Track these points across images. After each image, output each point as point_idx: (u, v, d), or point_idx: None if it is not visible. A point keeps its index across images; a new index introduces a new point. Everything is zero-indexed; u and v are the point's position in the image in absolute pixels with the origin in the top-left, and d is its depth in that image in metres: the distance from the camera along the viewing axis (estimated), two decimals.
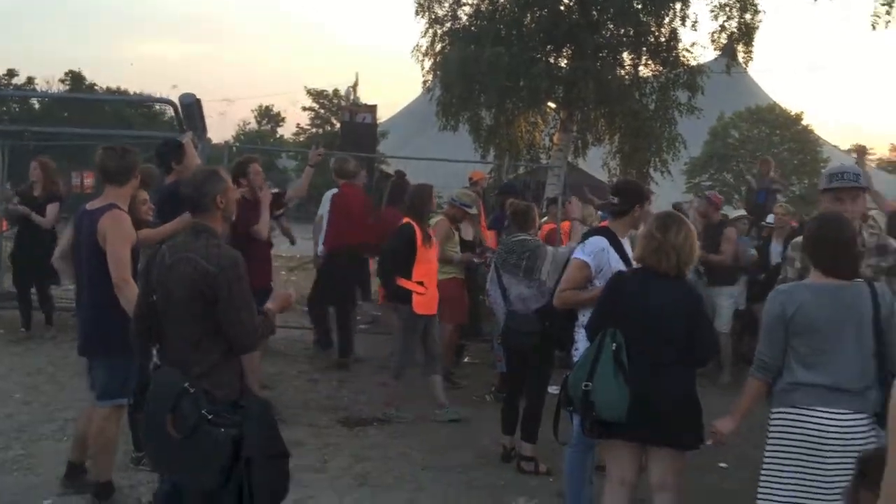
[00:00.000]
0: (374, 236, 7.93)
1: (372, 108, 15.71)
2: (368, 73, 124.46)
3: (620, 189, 4.64)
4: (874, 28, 15.74)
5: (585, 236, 4.67)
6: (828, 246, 3.36)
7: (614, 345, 3.67)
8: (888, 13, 15.52)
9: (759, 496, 3.37)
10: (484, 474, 5.48)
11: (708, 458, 5.24)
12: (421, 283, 6.48)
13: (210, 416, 3.03)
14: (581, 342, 4.32)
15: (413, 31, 63.86)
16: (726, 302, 8.28)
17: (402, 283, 6.46)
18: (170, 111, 9.41)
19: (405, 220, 6.62)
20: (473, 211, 7.73)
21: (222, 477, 2.99)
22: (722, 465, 5.63)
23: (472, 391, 7.63)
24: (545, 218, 9.63)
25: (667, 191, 20.53)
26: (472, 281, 8.05)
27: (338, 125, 29.76)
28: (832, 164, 4.32)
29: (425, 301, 6.51)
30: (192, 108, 6.85)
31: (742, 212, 10.18)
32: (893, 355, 3.29)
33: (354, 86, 31.74)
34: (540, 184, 15.16)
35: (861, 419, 3.22)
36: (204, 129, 7.13)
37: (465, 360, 8.70)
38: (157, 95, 22.77)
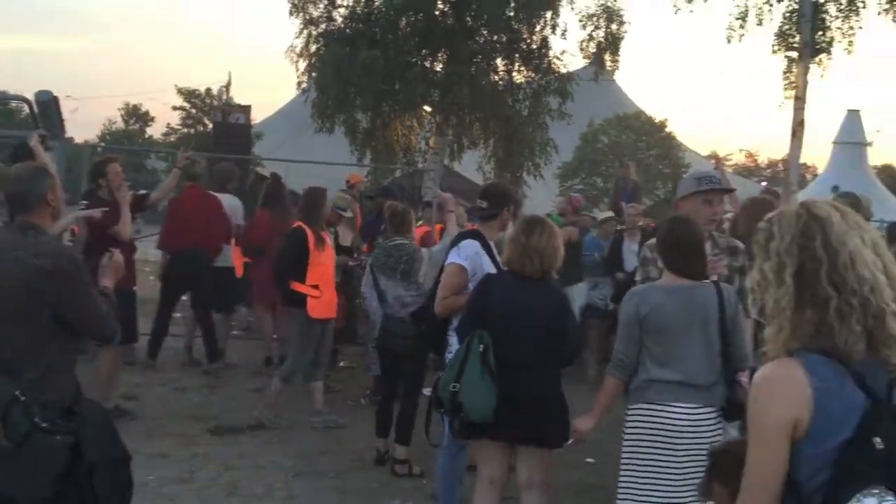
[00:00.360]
0: (213, 239, 7.86)
1: (245, 109, 15.39)
2: (242, 73, 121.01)
3: (489, 193, 4.72)
4: (729, 41, 16.71)
5: (457, 239, 4.73)
6: (678, 248, 3.53)
7: (482, 346, 3.74)
8: (742, 27, 16.53)
9: (619, 489, 3.52)
10: (357, 479, 5.47)
11: (575, 454, 5.41)
12: (316, 287, 6.41)
13: (44, 424, 2.89)
14: (454, 345, 4.37)
15: (288, 31, 62.96)
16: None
17: (297, 287, 6.37)
18: (26, 109, 8.93)
19: (297, 223, 6.54)
20: (349, 214, 7.69)
21: (57, 486, 2.85)
22: (589, 460, 5.82)
23: (348, 395, 7.59)
24: (420, 221, 9.69)
25: (540, 195, 21.08)
26: (348, 284, 8.00)
27: (210, 126, 28.95)
28: (693, 169, 4.55)
29: (320, 305, 6.44)
30: (48, 106, 6.54)
31: (609, 213, 10.55)
32: (738, 353, 3.50)
33: (227, 85, 30.99)
34: (416, 187, 15.26)
35: (710, 412, 3.42)
36: (62, 127, 6.81)
37: (341, 364, 8.65)
38: (13, 93, 21.48)
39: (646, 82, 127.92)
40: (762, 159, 69.64)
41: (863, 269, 1.73)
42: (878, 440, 1.66)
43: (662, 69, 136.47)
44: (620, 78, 35.62)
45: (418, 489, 5.31)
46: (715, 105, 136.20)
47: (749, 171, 66.96)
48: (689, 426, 3.38)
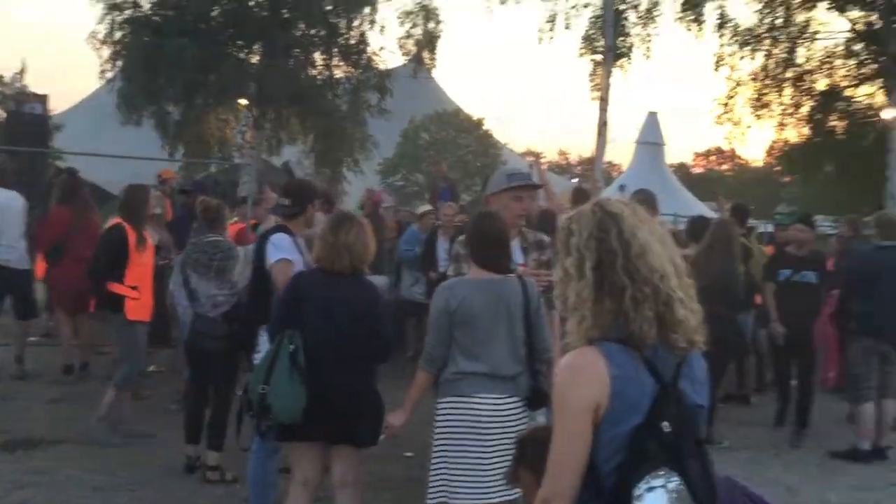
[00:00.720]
0: None
1: (42, 98, 14.29)
2: (38, 60, 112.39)
3: (291, 190, 4.62)
4: (540, 42, 17.46)
5: (266, 235, 4.61)
6: (485, 242, 3.61)
7: (292, 346, 3.66)
8: (551, 30, 17.30)
9: (430, 482, 3.55)
10: (166, 488, 5.20)
11: (394, 448, 5.42)
12: (134, 288, 6.03)
13: None
14: (263, 345, 4.25)
15: (89, 15, 58.89)
16: None
17: (114, 288, 5.96)
18: None
19: (116, 220, 6.12)
20: (158, 211, 7.32)
21: None
22: (408, 454, 5.84)
23: (158, 401, 7.22)
24: (235, 218, 9.39)
25: (361, 190, 21.06)
26: (158, 284, 7.61)
27: (3, 115, 26.68)
28: (504, 167, 4.73)
29: (139, 306, 6.08)
30: None
31: (427, 206, 10.65)
32: (541, 344, 3.63)
33: (21, 72, 28.62)
34: (232, 182, 14.79)
35: (516, 402, 3.52)
36: None
37: (151, 368, 8.20)
38: None
39: (464, 80, 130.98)
40: (574, 157, 73.24)
41: (653, 258, 1.85)
42: (665, 424, 1.77)
43: (481, 68, 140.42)
44: (439, 76, 36.31)
45: (231, 494, 5.13)
46: (531, 103, 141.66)
47: (562, 168, 70.17)
48: (496, 417, 3.46)
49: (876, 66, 19.25)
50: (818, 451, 6.56)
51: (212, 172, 16.20)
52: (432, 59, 17.68)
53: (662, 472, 1.74)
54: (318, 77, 16.22)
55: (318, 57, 16.25)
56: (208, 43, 14.48)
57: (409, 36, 16.67)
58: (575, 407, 1.79)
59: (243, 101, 16.45)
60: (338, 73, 16.67)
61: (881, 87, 19.32)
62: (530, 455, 2.32)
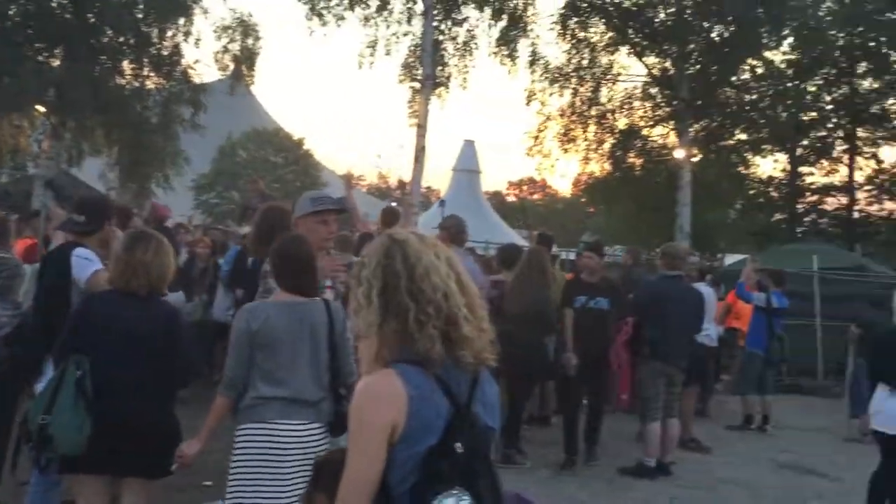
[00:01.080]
0: None
1: None
2: None
3: (86, 207, 4.35)
4: (360, 66, 17.58)
5: (61, 250, 4.31)
6: (290, 265, 3.56)
7: (79, 372, 3.42)
8: (372, 55, 17.48)
9: None
10: None
11: (192, 477, 5.19)
12: None
13: None
14: (49, 372, 3.94)
15: None
16: None
17: None
18: None
19: None
20: None
21: None
22: (207, 483, 5.61)
23: None
24: (28, 232, 8.71)
25: (173, 207, 20.20)
26: None
27: None
28: (309, 191, 4.67)
29: None
30: None
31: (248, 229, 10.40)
32: (345, 368, 3.61)
33: None
34: (25, 193, 13.74)
35: (317, 428, 3.47)
36: None
37: None
38: None
39: (286, 99, 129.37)
40: (393, 181, 74.03)
41: (437, 279, 1.91)
42: (458, 445, 1.82)
43: (303, 87, 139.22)
44: (259, 93, 35.68)
45: None
46: (353, 125, 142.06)
47: (381, 191, 70.72)
48: (296, 444, 3.39)
49: (669, 108, 20.93)
50: (609, 468, 6.94)
51: (2, 183, 14.98)
52: (251, 75, 17.31)
53: (455, 492, 1.79)
54: (127, 87, 15.43)
55: (126, 66, 15.47)
56: (3, 43, 13.41)
57: (226, 50, 16.26)
58: (371, 428, 1.81)
59: (41, 108, 15.35)
60: (149, 84, 15.95)
61: (673, 129, 21.03)
62: (326, 478, 2.29)
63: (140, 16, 14.89)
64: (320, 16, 16.63)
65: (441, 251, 1.99)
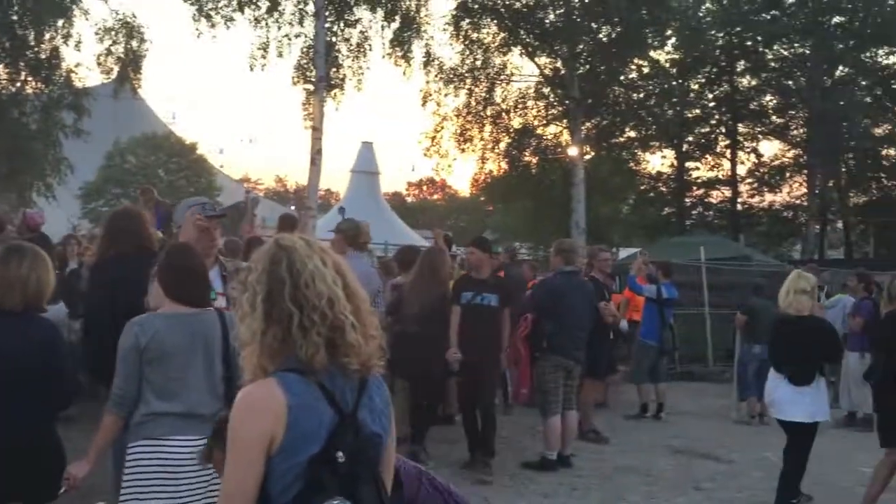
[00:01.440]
0: None
1: None
2: None
3: None
4: (252, 69, 17.26)
5: None
6: (176, 275, 3.44)
7: None
8: (264, 57, 17.19)
9: None
10: None
11: (83, 499, 4.97)
12: None
13: None
14: None
15: None
16: None
17: None
18: None
19: None
20: None
21: None
22: (100, 503, 5.40)
23: None
24: None
25: (57, 217, 19.36)
26: None
27: None
28: (188, 198, 4.55)
29: None
30: None
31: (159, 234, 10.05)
32: (242, 380, 3.50)
33: None
34: None
35: None
36: None
37: None
38: None
39: (178, 103, 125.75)
40: (291, 184, 73.07)
41: (322, 285, 1.89)
42: (340, 454, 1.80)
43: (196, 91, 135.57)
44: (149, 97, 34.62)
45: None
46: (248, 129, 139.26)
47: (280, 195, 69.69)
48: (191, 459, 3.29)
49: (562, 108, 21.43)
50: (512, 463, 7.04)
51: None
52: (137, 78, 16.71)
53: (336, 501, 1.77)
54: (3, 92, 14.68)
55: (1, 70, 14.71)
56: None
57: (109, 53, 15.62)
58: (248, 439, 1.79)
59: None
60: (27, 90, 15.21)
61: (566, 127, 21.53)
62: (225, 435, 2.26)
63: (15, 17, 14.19)
64: (208, 17, 16.25)
65: (328, 257, 1.98)
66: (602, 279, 8.45)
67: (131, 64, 16.22)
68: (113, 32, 15.51)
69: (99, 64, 15.73)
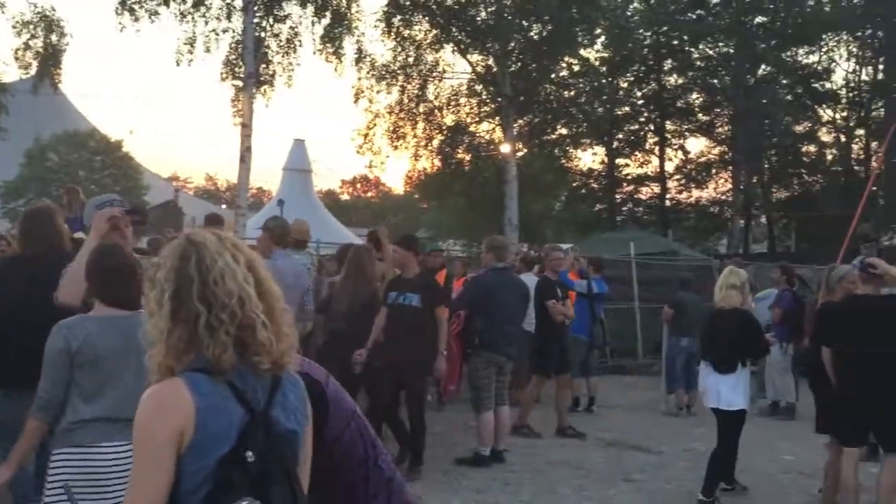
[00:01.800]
0: None
1: None
2: None
3: None
4: (178, 65, 16.89)
5: None
6: (105, 276, 3.33)
7: None
8: (191, 52, 16.82)
9: None
10: None
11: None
12: None
13: None
14: None
15: None
16: None
17: None
18: None
19: None
20: None
21: None
22: None
23: None
24: None
25: None
26: None
27: None
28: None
29: None
30: None
31: (81, 235, 9.73)
32: None
33: None
34: None
35: None
36: None
37: None
38: None
39: (103, 100, 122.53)
40: (222, 183, 71.84)
41: (231, 283, 1.84)
42: (249, 453, 1.77)
43: (123, 86, 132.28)
44: (73, 93, 33.59)
45: None
46: (177, 127, 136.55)
47: (210, 194, 68.46)
48: (117, 467, 3.18)
49: (494, 105, 21.54)
50: (445, 459, 7.04)
51: None
52: (57, 74, 16.16)
53: (246, 502, 1.74)
54: None
55: None
56: None
57: (27, 48, 15.06)
58: (155, 441, 1.74)
59: None
60: None
61: (498, 125, 21.66)
62: None
63: None
64: (132, 11, 15.83)
65: (240, 254, 1.92)
66: (554, 279, 8.49)
67: (51, 59, 15.69)
68: (31, 26, 14.99)
69: (17, 59, 15.19)
